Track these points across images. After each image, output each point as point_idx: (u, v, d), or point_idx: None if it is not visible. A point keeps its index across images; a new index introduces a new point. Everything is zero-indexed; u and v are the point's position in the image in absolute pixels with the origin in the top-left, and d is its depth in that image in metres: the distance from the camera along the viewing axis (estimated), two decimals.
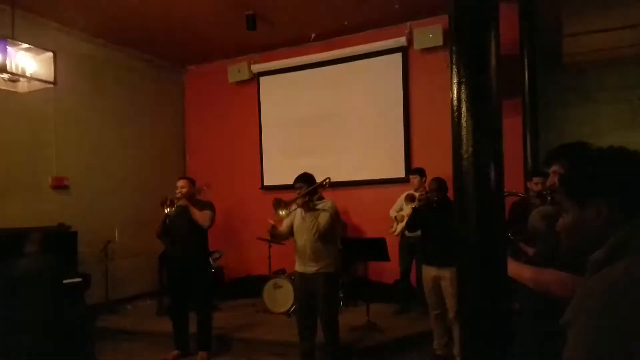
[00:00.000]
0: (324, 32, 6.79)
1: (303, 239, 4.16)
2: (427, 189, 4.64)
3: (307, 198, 4.12)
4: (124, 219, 6.82)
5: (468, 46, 1.99)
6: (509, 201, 3.79)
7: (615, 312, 1.01)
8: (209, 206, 4.82)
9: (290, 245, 5.74)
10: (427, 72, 6.45)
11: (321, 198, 4.30)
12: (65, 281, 5.16)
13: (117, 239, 6.21)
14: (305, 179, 4.22)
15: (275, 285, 5.93)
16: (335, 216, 4.18)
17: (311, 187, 4.17)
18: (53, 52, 3.92)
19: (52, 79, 3.91)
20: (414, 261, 5.68)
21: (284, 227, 4.30)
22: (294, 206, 4.12)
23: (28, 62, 3.90)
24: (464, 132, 1.94)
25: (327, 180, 4.31)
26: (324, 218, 4.08)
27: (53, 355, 4.22)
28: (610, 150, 1.23)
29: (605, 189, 1.18)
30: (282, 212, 4.03)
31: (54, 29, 6.08)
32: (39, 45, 3.97)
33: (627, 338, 0.99)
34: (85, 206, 6.38)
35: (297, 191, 4.17)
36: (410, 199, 5.14)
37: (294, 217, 4.27)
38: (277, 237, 4.31)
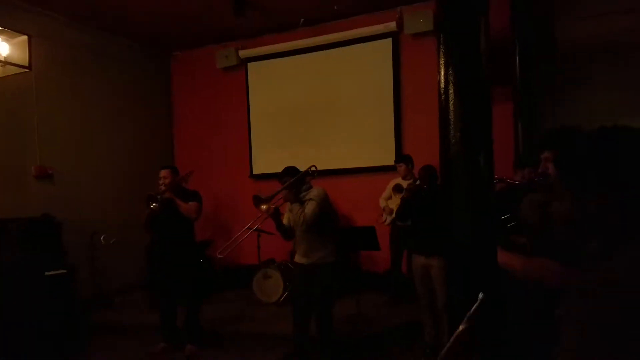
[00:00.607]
0: (313, 16, 6.65)
1: (297, 232, 4.14)
2: (416, 176, 4.56)
3: (292, 190, 4.04)
4: (111, 208, 6.69)
5: (456, 26, 1.89)
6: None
7: (615, 308, 0.93)
8: (195, 196, 4.70)
9: (279, 235, 5.68)
10: (418, 57, 6.35)
11: (309, 187, 4.20)
12: (49, 273, 5.05)
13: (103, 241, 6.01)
14: (289, 171, 4.15)
15: (265, 275, 5.86)
16: (323, 203, 4.08)
17: (294, 178, 4.06)
18: (28, 36, 3.76)
19: (26, 64, 3.75)
20: (405, 250, 5.61)
21: (285, 220, 4.23)
22: (279, 200, 4.03)
23: (1, 45, 3.74)
24: (451, 116, 1.86)
25: (313, 168, 4.22)
26: (309, 207, 4.00)
27: (36, 349, 4.14)
28: (612, 132, 1.09)
29: (607, 175, 1.05)
30: (264, 207, 3.92)
31: (33, 13, 5.76)
32: (14, 28, 3.80)
33: (626, 335, 0.91)
34: (70, 196, 6.24)
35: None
36: (397, 189, 5.06)
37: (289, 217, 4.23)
38: (282, 228, 4.17)
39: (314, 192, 4.11)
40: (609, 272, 0.99)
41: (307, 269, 4.12)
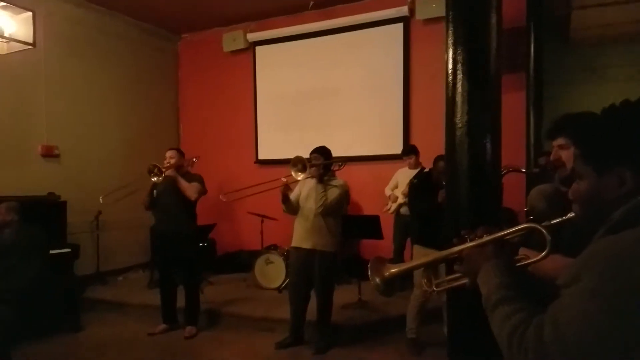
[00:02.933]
0: None
1: (307, 210, 4.12)
2: (424, 167, 4.46)
3: (321, 170, 4.06)
4: (116, 189, 6.66)
5: (466, 3, 1.80)
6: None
7: (627, 279, 0.85)
8: (198, 179, 4.69)
9: (282, 221, 5.65)
10: (429, 44, 6.20)
11: (333, 176, 4.26)
12: (53, 252, 5.06)
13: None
14: (323, 151, 4.16)
15: (267, 260, 5.83)
16: (345, 195, 4.16)
17: (328, 161, 4.11)
18: (32, 12, 3.70)
19: (31, 40, 3.70)
20: (408, 240, 5.57)
21: (292, 196, 4.21)
22: (308, 174, 3.99)
23: (7, 21, 3.69)
24: (458, 98, 1.77)
25: (341, 164, 4.27)
26: (333, 193, 4.06)
27: (35, 325, 4.14)
28: (636, 104, 1.01)
29: (631, 150, 0.98)
30: (297, 173, 3.87)
31: None
32: (18, 4, 3.74)
33: (634, 309, 0.84)
34: (75, 175, 6.25)
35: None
36: None
37: (300, 191, 4.22)
38: (287, 202, 4.15)
39: (341, 182, 4.19)
40: (628, 235, 0.92)
41: (307, 253, 4.12)
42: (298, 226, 4.23)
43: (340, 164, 4.24)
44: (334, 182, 4.14)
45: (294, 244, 4.26)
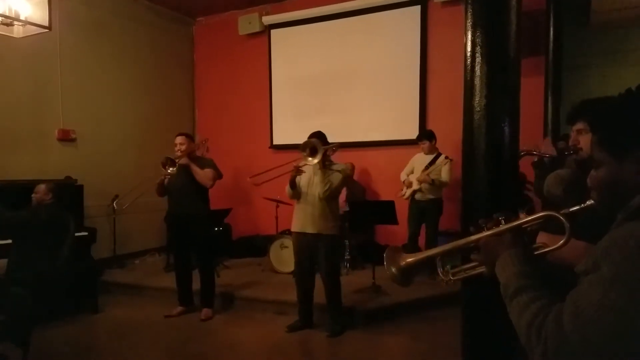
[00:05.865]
0: None
1: (310, 195, 4.14)
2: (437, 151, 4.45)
3: (325, 155, 4.06)
4: (132, 173, 6.73)
5: None
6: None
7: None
8: (211, 164, 4.70)
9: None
10: (447, 27, 6.10)
11: (334, 162, 4.28)
12: None
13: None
14: (320, 136, 4.15)
15: (282, 245, 5.87)
16: (347, 178, 4.19)
17: (327, 147, 4.06)
18: None
19: (47, 24, 3.72)
20: (422, 225, 5.56)
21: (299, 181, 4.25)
22: (317, 159, 3.96)
23: (22, 4, 3.71)
24: (477, 81, 1.74)
25: (336, 148, 4.23)
26: (337, 178, 4.09)
27: (54, 308, 4.22)
28: None
29: None
30: (309, 156, 3.86)
31: None
32: None
33: None
34: (92, 159, 6.32)
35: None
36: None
37: (301, 177, 4.21)
38: (294, 187, 4.17)
39: (342, 166, 4.21)
40: (639, 225, 0.89)
41: (312, 237, 4.15)
42: (300, 212, 4.25)
43: (334, 148, 4.20)
44: (336, 167, 4.17)
45: (296, 229, 4.27)
